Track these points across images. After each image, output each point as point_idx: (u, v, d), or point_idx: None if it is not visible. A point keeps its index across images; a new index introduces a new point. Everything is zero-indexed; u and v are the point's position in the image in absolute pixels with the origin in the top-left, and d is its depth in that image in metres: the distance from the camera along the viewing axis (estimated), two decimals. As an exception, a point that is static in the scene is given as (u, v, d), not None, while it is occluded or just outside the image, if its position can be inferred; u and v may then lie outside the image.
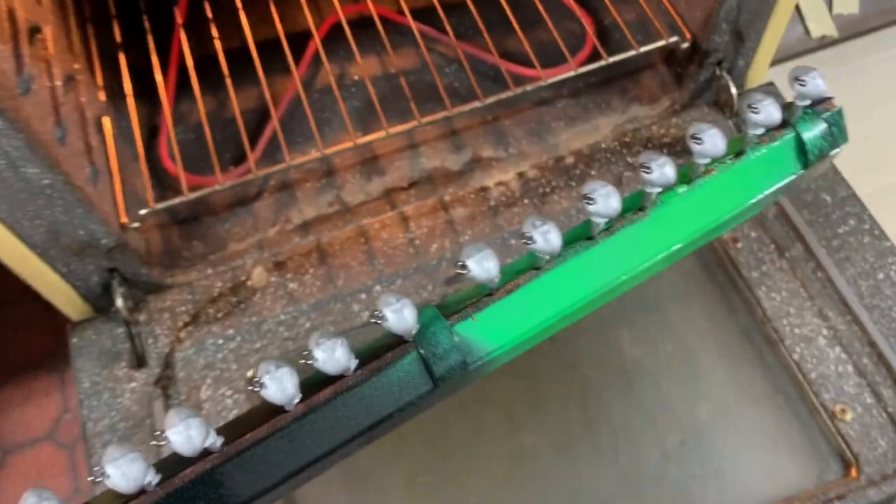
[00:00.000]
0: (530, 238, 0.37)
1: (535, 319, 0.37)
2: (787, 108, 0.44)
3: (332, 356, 0.34)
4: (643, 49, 0.89)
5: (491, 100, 0.87)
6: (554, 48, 0.96)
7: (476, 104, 0.87)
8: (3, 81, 0.64)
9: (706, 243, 0.40)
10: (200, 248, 0.92)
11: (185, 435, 0.33)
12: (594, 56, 0.93)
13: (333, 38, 0.99)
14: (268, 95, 0.88)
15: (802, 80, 0.40)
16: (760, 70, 0.93)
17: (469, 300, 0.38)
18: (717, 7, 0.84)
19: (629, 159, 0.90)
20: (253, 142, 0.95)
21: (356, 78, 1.02)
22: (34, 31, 0.76)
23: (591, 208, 0.37)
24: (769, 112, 0.38)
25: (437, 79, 0.89)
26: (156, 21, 0.96)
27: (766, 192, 0.41)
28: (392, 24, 1.03)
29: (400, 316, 0.35)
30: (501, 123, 0.98)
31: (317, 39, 0.93)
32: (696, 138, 0.37)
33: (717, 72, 0.90)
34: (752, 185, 0.41)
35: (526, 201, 0.88)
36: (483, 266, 0.36)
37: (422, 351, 0.35)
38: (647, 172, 0.37)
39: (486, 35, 0.92)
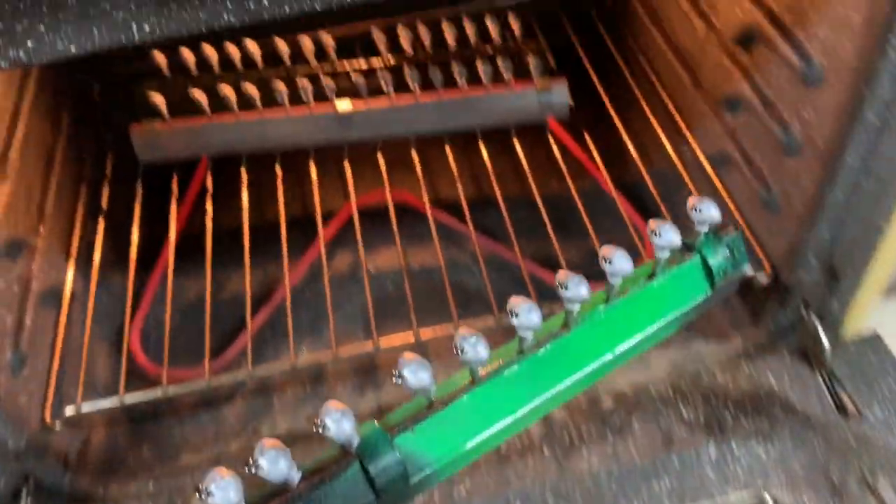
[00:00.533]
0: (461, 349, 0.37)
1: (471, 431, 0.38)
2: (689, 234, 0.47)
3: (276, 466, 0.35)
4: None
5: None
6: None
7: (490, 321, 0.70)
8: None
9: (631, 358, 0.42)
10: (149, 454, 0.76)
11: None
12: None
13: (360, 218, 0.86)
14: (286, 283, 0.75)
15: (698, 208, 0.43)
16: (861, 315, 0.74)
17: (408, 413, 0.39)
18: (803, 238, 0.67)
19: (684, 413, 0.71)
20: (239, 333, 0.81)
21: (372, 270, 0.88)
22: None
23: (515, 322, 0.37)
24: (670, 236, 0.40)
25: (449, 282, 0.74)
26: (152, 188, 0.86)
27: (679, 311, 0.45)
28: (418, 215, 0.90)
29: (339, 425, 0.36)
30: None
31: (319, 231, 0.81)
32: (607, 259, 0.39)
33: (804, 314, 0.72)
34: (666, 303, 0.44)
35: (546, 451, 0.69)
36: (417, 377, 0.37)
37: (364, 463, 0.36)
38: (565, 290, 0.38)
39: (512, 237, 0.77)
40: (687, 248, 0.46)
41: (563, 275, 0.40)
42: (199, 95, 0.80)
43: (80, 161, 0.85)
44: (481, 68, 0.82)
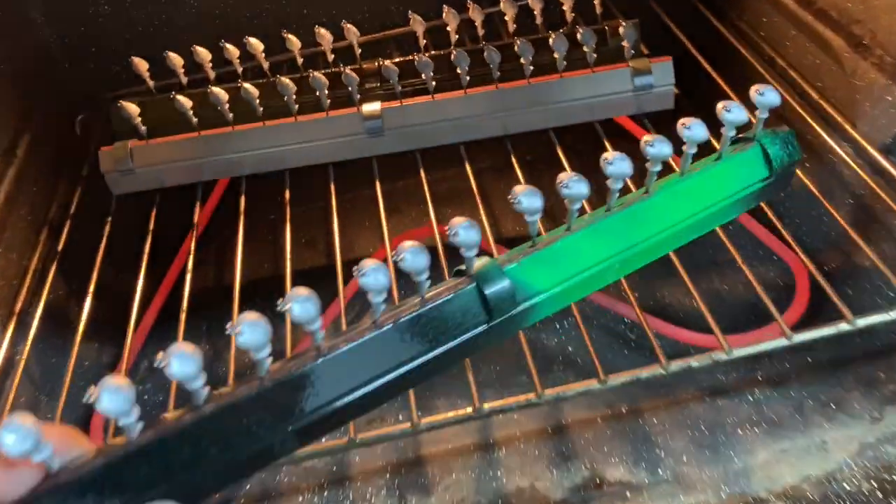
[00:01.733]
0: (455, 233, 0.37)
1: (568, 270, 0.41)
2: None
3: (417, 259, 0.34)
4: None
5: (620, 379, 0.47)
6: (732, 308, 0.57)
7: (594, 384, 0.46)
8: None
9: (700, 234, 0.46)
10: None
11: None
12: (809, 319, 0.52)
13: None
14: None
15: (761, 91, 0.45)
16: None
17: (514, 253, 0.40)
18: None
19: None
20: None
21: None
22: None
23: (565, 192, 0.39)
24: (737, 113, 0.43)
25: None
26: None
27: (744, 188, 0.46)
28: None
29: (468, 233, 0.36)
30: (645, 422, 0.56)
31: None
32: (686, 126, 0.41)
33: None
34: (732, 181, 0.46)
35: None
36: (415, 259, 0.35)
37: (479, 285, 0.37)
38: (650, 147, 0.40)
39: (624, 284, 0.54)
40: (747, 139, 0.48)
41: (648, 137, 0.41)
42: (184, 101, 0.61)
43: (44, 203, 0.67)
44: (555, 50, 0.61)
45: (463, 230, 0.36)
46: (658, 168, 0.41)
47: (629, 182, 0.46)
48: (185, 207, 0.67)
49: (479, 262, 0.38)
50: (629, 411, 0.57)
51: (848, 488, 0.47)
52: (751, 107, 0.46)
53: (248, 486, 0.57)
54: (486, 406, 0.45)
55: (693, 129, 0.41)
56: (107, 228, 0.63)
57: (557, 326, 0.65)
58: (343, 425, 0.37)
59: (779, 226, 0.57)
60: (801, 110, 0.65)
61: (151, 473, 0.31)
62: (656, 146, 0.40)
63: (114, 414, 0.29)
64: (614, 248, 0.42)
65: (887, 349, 0.57)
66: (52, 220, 0.66)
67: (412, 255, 0.34)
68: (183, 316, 0.58)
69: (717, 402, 0.57)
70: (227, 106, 0.61)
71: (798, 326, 0.53)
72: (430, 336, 0.37)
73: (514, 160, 0.65)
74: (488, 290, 0.37)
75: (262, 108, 0.62)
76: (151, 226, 0.63)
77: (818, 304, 0.59)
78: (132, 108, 0.61)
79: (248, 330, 0.31)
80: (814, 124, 0.63)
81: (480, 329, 0.38)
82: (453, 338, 0.38)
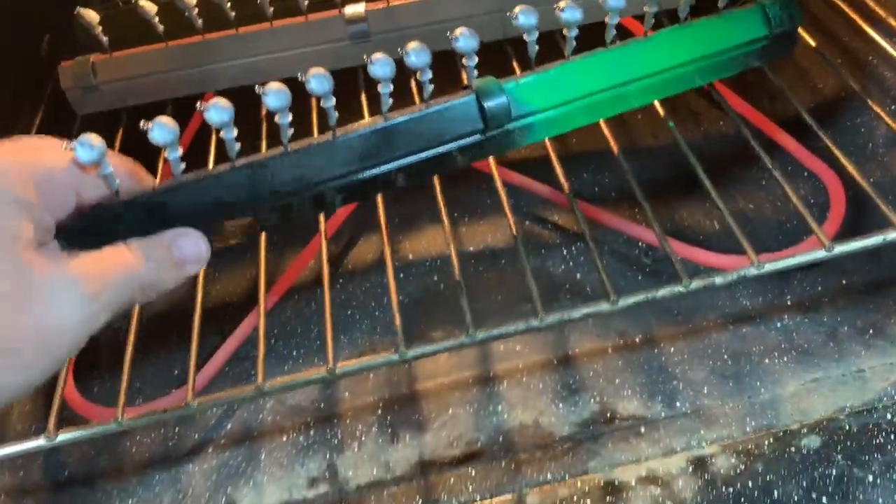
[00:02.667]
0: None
1: (563, 96, 0.42)
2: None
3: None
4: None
5: (633, 299, 0.41)
6: (759, 230, 0.52)
7: (603, 305, 0.41)
8: None
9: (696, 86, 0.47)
10: (73, 540, 0.49)
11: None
12: (845, 235, 0.45)
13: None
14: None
15: None
16: None
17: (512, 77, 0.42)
18: None
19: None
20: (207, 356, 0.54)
21: (410, 257, 0.61)
22: None
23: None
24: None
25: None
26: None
27: (741, 43, 0.47)
28: (482, 176, 0.62)
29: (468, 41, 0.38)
30: (661, 352, 0.51)
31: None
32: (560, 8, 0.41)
33: None
34: (730, 34, 0.47)
35: (710, 531, 0.38)
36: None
37: (478, 96, 0.40)
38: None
39: (640, 198, 0.48)
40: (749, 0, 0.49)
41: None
42: (148, 8, 0.55)
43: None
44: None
45: (463, 38, 0.38)
46: (616, 21, 0.43)
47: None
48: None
49: (481, 80, 0.41)
50: (643, 340, 0.52)
51: (890, 417, 0.42)
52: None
53: (229, 426, 0.53)
54: (481, 333, 0.40)
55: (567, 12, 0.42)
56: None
57: (565, 252, 0.59)
58: (348, 202, 0.40)
59: (815, 128, 0.51)
60: (841, 6, 0.58)
61: (187, 209, 0.36)
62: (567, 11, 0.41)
63: (163, 143, 0.33)
64: (609, 82, 0.44)
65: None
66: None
67: (415, 52, 0.37)
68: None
69: (742, 329, 0.51)
70: (195, 12, 0.55)
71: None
72: (431, 136, 0.40)
73: (515, 66, 0.58)
74: (487, 103, 0.40)
75: (233, 14, 0.56)
76: (117, 148, 0.57)
77: (855, 220, 0.53)
78: (92, 16, 0.55)
79: (215, 110, 0.33)
80: (858, 20, 0.56)
81: (477, 138, 0.41)
82: (451, 141, 0.41)
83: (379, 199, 0.51)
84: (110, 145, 0.32)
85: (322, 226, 0.50)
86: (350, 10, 0.55)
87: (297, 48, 0.57)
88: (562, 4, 0.41)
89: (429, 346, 0.40)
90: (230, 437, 0.52)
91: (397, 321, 0.41)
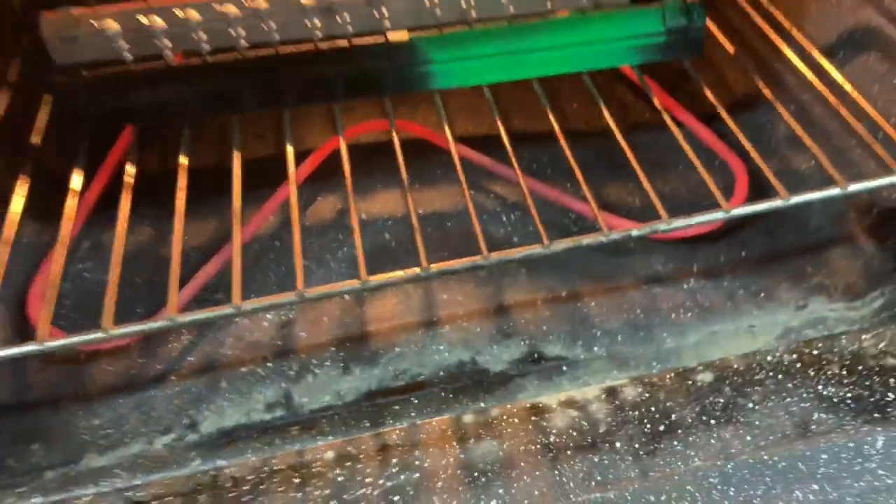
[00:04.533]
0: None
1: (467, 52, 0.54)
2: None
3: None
4: (846, 189, 0.49)
5: (563, 244, 0.48)
6: (673, 206, 0.60)
7: (535, 249, 0.47)
8: None
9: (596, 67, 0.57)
10: (39, 455, 0.53)
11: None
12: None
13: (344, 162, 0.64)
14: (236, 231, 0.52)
15: None
16: None
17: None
18: None
19: (820, 387, 0.48)
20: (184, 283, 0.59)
21: (364, 217, 0.66)
22: None
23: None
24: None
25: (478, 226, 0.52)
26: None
27: (637, 34, 0.56)
28: (432, 149, 0.68)
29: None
30: (584, 304, 0.58)
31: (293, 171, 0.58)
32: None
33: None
34: (626, 24, 0.56)
35: (618, 444, 0.45)
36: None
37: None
38: None
39: (578, 173, 0.55)
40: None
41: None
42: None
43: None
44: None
45: None
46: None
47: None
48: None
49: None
50: (569, 295, 0.59)
51: (770, 359, 0.50)
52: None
53: (191, 359, 0.58)
54: (434, 267, 0.46)
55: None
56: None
57: (504, 219, 0.66)
58: None
59: (728, 122, 0.58)
60: (755, 19, 0.66)
61: None
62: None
63: None
64: (509, 48, 0.54)
65: (815, 245, 0.60)
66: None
67: None
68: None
69: (654, 289, 0.59)
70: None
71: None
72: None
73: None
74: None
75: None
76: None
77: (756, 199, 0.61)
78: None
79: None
80: (765, 29, 0.65)
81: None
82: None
83: (344, 158, 0.56)
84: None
85: (291, 168, 0.55)
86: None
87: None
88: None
89: (388, 274, 0.46)
90: (192, 368, 0.57)
91: (360, 254, 0.47)
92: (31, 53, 0.66)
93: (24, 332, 0.58)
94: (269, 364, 0.56)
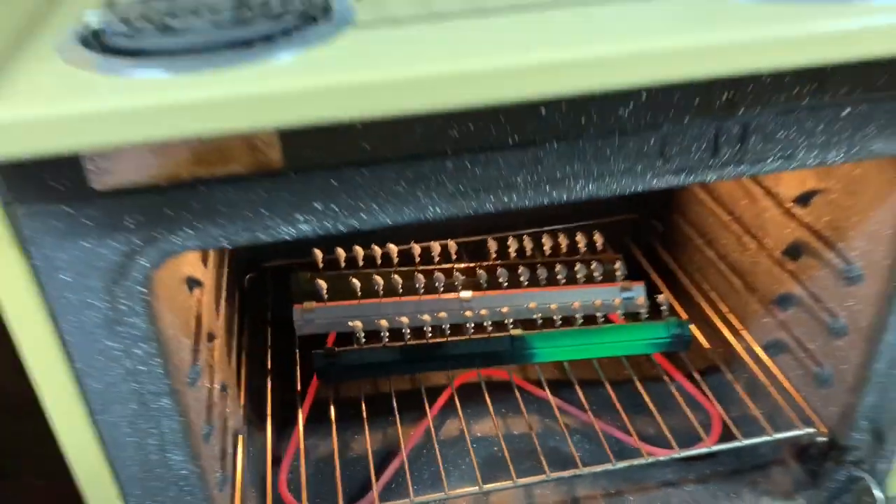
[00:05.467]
0: None
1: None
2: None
3: None
4: (777, 436, 0.88)
5: (622, 464, 0.86)
6: (679, 433, 0.98)
7: (607, 466, 0.85)
8: (180, 367, 0.69)
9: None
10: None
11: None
12: (723, 441, 0.92)
13: (462, 395, 1.02)
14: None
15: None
16: (902, 476, 0.90)
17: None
18: (854, 404, 0.84)
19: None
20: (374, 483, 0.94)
21: (479, 434, 1.03)
22: (210, 337, 0.83)
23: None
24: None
25: (570, 443, 0.89)
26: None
27: (647, 340, 0.99)
28: (522, 390, 1.07)
29: None
30: (625, 499, 0.94)
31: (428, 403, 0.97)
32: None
33: (859, 473, 0.87)
34: (644, 333, 1.00)
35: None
36: None
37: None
38: None
39: (620, 410, 0.94)
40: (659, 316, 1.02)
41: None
42: (355, 281, 0.99)
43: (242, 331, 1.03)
44: (572, 271, 1.04)
45: None
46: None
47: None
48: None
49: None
50: (615, 493, 0.95)
51: (740, 536, 0.86)
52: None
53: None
54: (521, 481, 0.83)
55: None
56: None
57: (569, 439, 1.03)
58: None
59: (704, 387, 0.98)
60: (716, 321, 1.08)
61: None
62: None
63: None
64: (578, 342, 0.98)
65: (763, 463, 0.98)
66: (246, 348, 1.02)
67: None
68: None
69: (667, 489, 0.95)
70: (381, 285, 1.00)
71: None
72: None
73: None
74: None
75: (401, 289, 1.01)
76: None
77: (726, 437, 1.00)
78: (319, 282, 1.00)
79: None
80: (726, 332, 1.06)
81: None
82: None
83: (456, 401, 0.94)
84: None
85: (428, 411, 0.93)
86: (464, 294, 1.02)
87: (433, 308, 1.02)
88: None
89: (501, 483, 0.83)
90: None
91: (476, 468, 0.83)
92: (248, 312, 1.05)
93: (274, 506, 0.92)
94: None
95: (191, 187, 0.53)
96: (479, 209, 0.58)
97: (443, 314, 0.99)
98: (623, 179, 0.59)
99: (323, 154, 0.54)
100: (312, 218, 0.56)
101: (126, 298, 0.57)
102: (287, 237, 0.57)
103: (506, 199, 0.58)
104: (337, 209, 0.57)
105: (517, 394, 1.01)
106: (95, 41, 0.52)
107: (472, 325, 0.99)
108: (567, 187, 0.58)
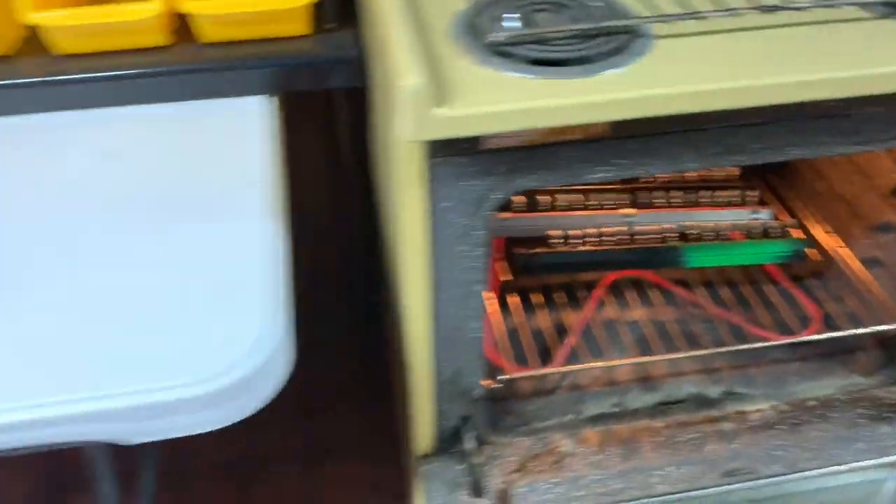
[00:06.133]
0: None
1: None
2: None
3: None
4: (865, 330, 1.18)
5: (744, 346, 1.16)
6: (788, 325, 1.27)
7: (732, 347, 1.15)
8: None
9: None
10: (512, 420, 1.18)
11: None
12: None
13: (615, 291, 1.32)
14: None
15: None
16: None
17: None
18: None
19: (859, 410, 1.15)
20: (554, 349, 1.25)
21: (630, 320, 1.33)
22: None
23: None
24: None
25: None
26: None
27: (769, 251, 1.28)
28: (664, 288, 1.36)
29: None
30: (748, 371, 1.25)
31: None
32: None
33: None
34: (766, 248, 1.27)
35: (783, 427, 1.11)
36: None
37: None
38: None
39: (744, 305, 1.23)
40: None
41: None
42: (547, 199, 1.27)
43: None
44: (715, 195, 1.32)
45: None
46: None
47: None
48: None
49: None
50: (740, 366, 1.26)
51: (837, 398, 1.17)
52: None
53: (565, 382, 1.23)
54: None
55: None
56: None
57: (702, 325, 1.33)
58: None
59: (808, 290, 1.27)
60: (821, 239, 1.36)
61: None
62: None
63: None
64: (716, 260, 1.26)
65: (849, 349, 1.28)
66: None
67: None
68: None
69: (780, 366, 1.26)
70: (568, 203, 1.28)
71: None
72: None
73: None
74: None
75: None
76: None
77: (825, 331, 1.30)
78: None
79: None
80: (826, 245, 1.34)
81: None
82: None
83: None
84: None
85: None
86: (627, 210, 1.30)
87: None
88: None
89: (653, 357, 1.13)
90: (567, 387, 1.22)
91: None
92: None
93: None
94: (606, 386, 1.22)
95: (541, 148, 0.80)
96: (722, 164, 0.85)
97: (609, 228, 1.27)
98: (819, 149, 0.86)
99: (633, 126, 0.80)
100: (612, 168, 0.83)
101: (479, 218, 0.85)
102: (590, 182, 0.84)
103: (741, 159, 0.85)
104: (626, 162, 0.84)
105: (661, 290, 1.30)
106: (496, 48, 0.77)
107: (633, 236, 1.28)
108: (783, 153, 0.85)
